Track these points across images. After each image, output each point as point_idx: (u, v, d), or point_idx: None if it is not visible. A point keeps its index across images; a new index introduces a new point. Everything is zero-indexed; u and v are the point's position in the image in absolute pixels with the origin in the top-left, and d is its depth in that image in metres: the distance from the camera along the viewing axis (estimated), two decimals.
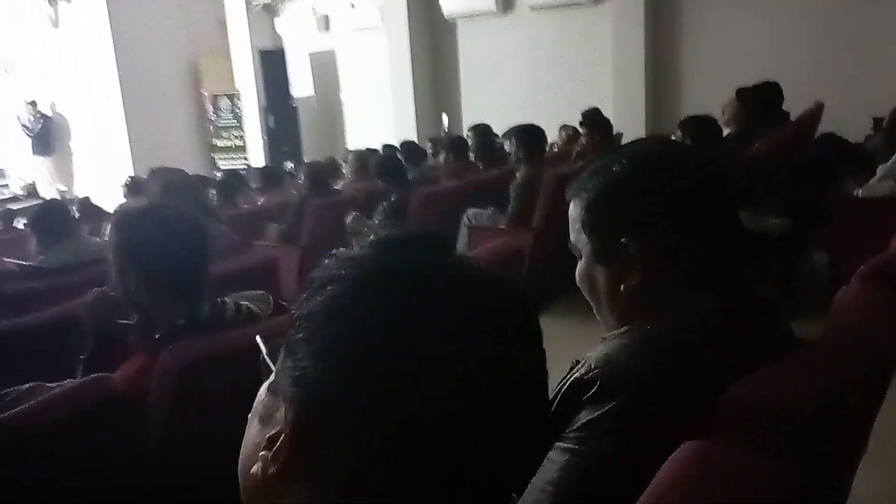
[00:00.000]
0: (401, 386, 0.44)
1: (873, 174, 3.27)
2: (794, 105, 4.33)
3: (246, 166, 8.86)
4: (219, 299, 1.54)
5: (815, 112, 4.74)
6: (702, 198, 0.90)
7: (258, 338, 0.57)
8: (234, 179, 5.53)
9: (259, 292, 1.70)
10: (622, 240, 0.89)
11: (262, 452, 0.48)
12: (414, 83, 8.56)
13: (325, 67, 9.44)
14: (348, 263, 0.50)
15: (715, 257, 0.89)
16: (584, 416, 0.81)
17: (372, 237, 0.52)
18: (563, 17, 7.56)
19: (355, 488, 0.45)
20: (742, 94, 4.13)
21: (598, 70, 7.20)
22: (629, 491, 0.68)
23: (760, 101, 4.18)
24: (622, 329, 0.90)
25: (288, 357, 0.49)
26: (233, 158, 9.65)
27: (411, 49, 8.52)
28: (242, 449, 0.53)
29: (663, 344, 0.83)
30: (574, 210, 0.94)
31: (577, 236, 0.95)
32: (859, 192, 3.20)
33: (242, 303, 1.59)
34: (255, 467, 0.49)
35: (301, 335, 0.48)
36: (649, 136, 1.14)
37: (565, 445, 0.81)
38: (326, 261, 0.51)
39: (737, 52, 6.34)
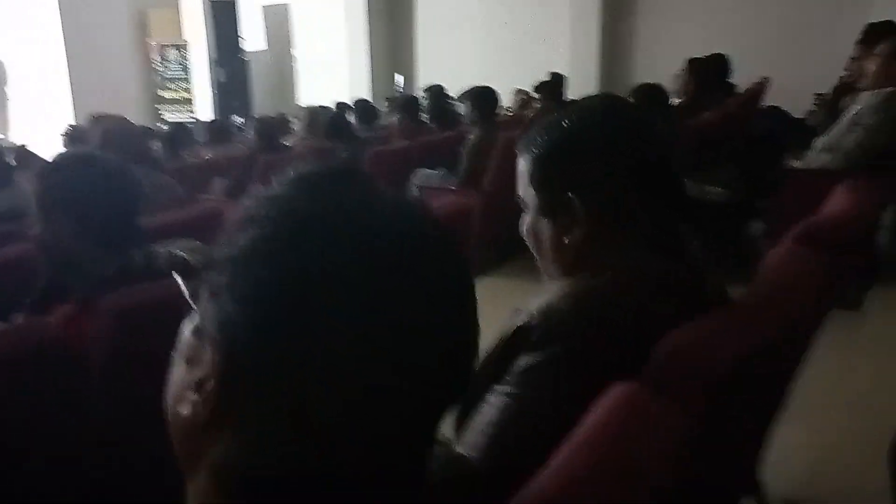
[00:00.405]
0: (325, 333, 0.43)
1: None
2: (741, 79, 4.43)
3: (193, 120, 8.62)
4: (152, 248, 1.50)
5: (761, 87, 4.85)
6: (648, 157, 0.92)
7: (176, 275, 0.55)
8: (180, 132, 5.39)
9: (195, 242, 1.65)
10: (569, 194, 0.91)
11: (194, 397, 0.47)
12: (370, 41, 8.42)
13: (278, 21, 9.20)
14: (268, 203, 0.48)
15: (657, 216, 0.91)
16: (523, 362, 0.83)
17: (291, 173, 0.50)
18: None
19: (281, 438, 0.45)
20: (693, 64, 4.19)
21: (555, 35, 7.20)
22: (563, 435, 0.70)
23: (710, 72, 4.25)
24: (562, 281, 0.92)
25: (211, 300, 0.47)
26: (179, 111, 9.36)
27: (368, 5, 8.36)
28: (169, 389, 0.51)
29: (604, 296, 0.86)
30: (523, 164, 0.96)
31: (524, 190, 0.96)
32: (797, 165, 3.29)
33: (178, 252, 1.55)
34: (185, 410, 0.48)
35: (224, 278, 0.46)
36: (600, 94, 1.15)
37: (505, 389, 0.83)
38: (247, 200, 0.50)
39: (689, 25, 6.41)
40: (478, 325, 0.50)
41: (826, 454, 1.97)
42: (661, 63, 5.59)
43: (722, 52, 4.33)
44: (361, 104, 5.89)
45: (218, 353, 0.46)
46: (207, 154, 5.21)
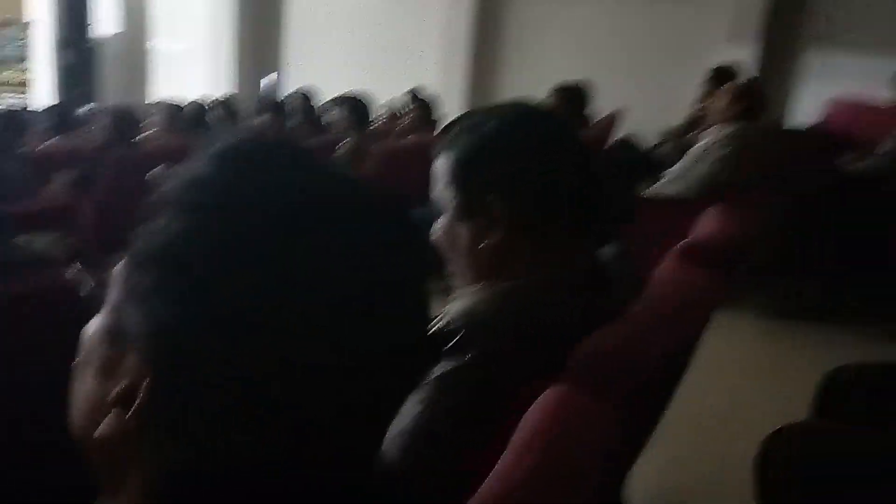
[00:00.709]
0: (276, 323, 0.40)
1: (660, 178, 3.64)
2: (600, 108, 4.71)
3: (30, 106, 7.86)
4: (9, 241, 1.36)
5: (612, 120, 5.18)
6: (566, 164, 0.93)
7: (84, 275, 0.49)
8: (15, 117, 4.89)
9: (53, 235, 1.53)
10: (488, 196, 0.90)
11: (115, 409, 0.42)
12: (239, 37, 8.13)
13: (134, 6, 8.63)
14: (194, 187, 0.43)
15: (571, 222, 0.93)
16: (440, 368, 0.81)
17: (210, 150, 0.45)
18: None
19: (227, 434, 0.41)
20: (560, 91, 4.39)
21: (426, 48, 7.30)
22: (480, 440, 0.69)
23: (574, 100, 4.47)
24: (479, 285, 0.91)
25: (133, 303, 0.42)
26: (15, 94, 8.50)
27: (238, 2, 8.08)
28: (76, 406, 0.47)
29: (524, 298, 0.86)
30: (442, 164, 0.95)
31: (442, 191, 0.95)
32: (649, 193, 3.54)
33: (35, 246, 1.42)
34: (106, 425, 0.43)
35: (150, 277, 0.41)
36: (520, 100, 1.17)
37: (420, 396, 0.81)
38: (165, 185, 0.44)
39: (554, 52, 6.74)
40: (429, 314, 0.48)
41: (682, 470, 2.08)
42: (528, 83, 5.83)
43: (578, 82, 4.57)
44: (222, 103, 5.65)
45: (148, 359, 0.41)
46: (48, 143, 4.77)
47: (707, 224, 1.53)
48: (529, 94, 4.86)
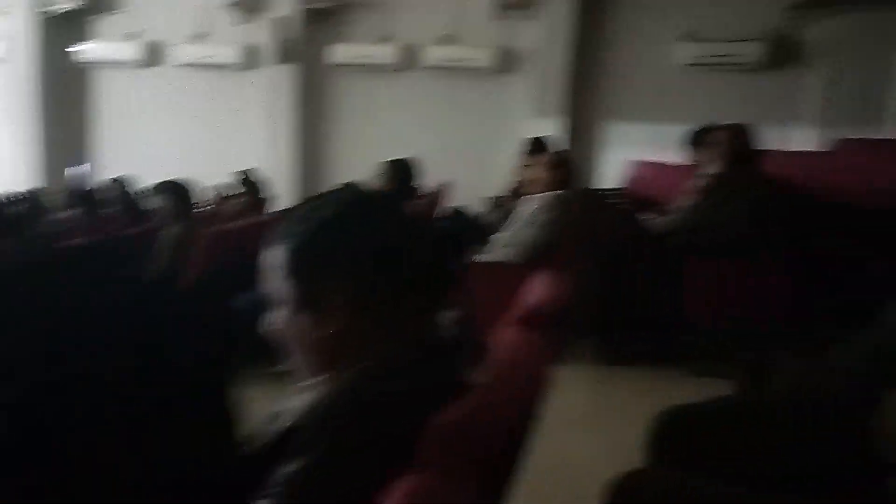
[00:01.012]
0: None
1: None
2: (430, 180, 4.89)
3: None
4: None
5: (440, 191, 5.41)
6: (401, 241, 0.94)
7: None
8: None
9: None
10: (327, 285, 0.89)
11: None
12: (44, 128, 7.59)
13: None
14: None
15: (413, 298, 0.94)
16: (289, 469, 0.78)
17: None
18: (215, 78, 7.45)
19: None
20: (389, 166, 4.51)
21: (251, 133, 7.23)
22: None
23: (402, 174, 4.61)
24: (321, 377, 0.89)
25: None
26: None
27: (40, 92, 7.58)
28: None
29: (367, 386, 0.85)
30: (275, 257, 0.92)
31: (278, 283, 0.92)
32: (480, 258, 3.69)
33: None
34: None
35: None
36: (349, 185, 1.17)
37: (269, 501, 0.77)
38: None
39: (380, 127, 6.95)
40: None
41: None
42: (356, 159, 5.92)
43: (408, 157, 4.74)
44: (30, 196, 5.22)
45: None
46: None
47: (536, 288, 1.62)
48: (358, 170, 4.95)
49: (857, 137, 4.83)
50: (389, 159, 4.56)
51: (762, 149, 3.57)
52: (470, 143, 6.77)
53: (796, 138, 5.82)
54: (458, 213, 5.34)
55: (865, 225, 2.60)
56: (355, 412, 0.82)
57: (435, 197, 5.32)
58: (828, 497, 1.24)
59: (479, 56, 6.75)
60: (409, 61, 7.01)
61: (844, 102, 5.83)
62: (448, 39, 6.84)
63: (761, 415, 1.48)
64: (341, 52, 7.06)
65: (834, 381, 1.34)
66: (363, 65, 7.05)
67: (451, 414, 0.82)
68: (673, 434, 1.57)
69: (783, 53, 6.10)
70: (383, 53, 6.98)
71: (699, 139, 3.96)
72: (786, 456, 1.33)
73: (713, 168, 3.53)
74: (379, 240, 0.92)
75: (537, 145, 4.58)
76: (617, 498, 1.29)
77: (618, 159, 6.17)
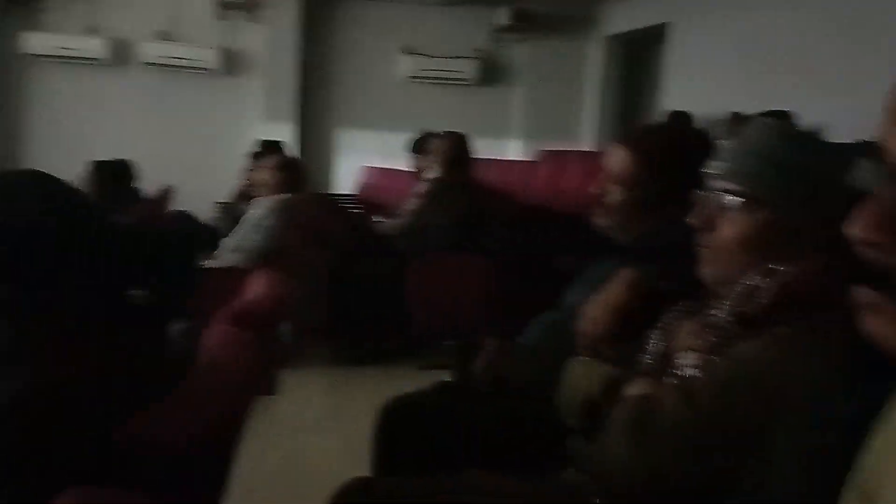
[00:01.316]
0: None
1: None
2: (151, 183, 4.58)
3: None
4: None
5: (165, 194, 5.09)
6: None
7: None
8: None
9: None
10: None
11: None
12: None
13: None
14: None
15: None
16: None
17: None
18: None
19: None
20: (97, 167, 4.15)
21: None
22: None
23: (116, 176, 4.26)
24: None
25: None
26: None
27: None
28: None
29: None
30: None
31: None
32: (210, 264, 3.54)
33: None
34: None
35: None
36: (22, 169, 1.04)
37: None
38: None
39: (91, 130, 6.34)
40: None
41: None
42: (57, 163, 5.29)
43: (124, 159, 4.39)
44: None
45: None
46: None
47: (252, 288, 1.61)
48: (59, 169, 4.48)
49: (555, 149, 5.51)
50: (98, 160, 4.19)
51: (477, 157, 3.91)
52: (196, 146, 6.45)
53: (508, 148, 6.46)
54: (184, 218, 5.05)
55: (555, 226, 2.98)
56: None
57: (158, 201, 4.97)
58: (523, 462, 1.39)
59: (202, 56, 6.46)
60: (121, 57, 6.48)
61: (544, 118, 6.62)
62: (166, 36, 6.45)
63: (467, 394, 1.63)
64: (38, 42, 6.29)
65: (518, 357, 1.52)
66: (66, 57, 6.35)
67: (145, 417, 0.79)
68: (395, 423, 1.65)
69: (493, 72, 6.73)
70: (90, 46, 6.35)
71: (420, 146, 4.22)
72: (491, 429, 1.47)
73: (432, 173, 3.78)
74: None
75: (266, 149, 4.52)
76: None
77: (350, 166, 6.32)
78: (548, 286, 1.76)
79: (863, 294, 0.57)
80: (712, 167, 1.10)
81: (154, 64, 6.44)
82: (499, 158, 5.55)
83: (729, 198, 1.05)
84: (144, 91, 6.53)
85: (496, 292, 2.87)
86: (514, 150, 6.53)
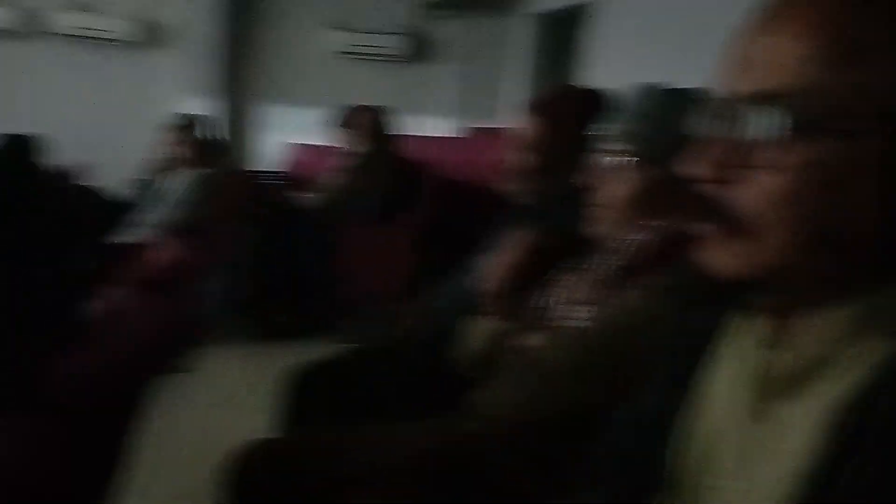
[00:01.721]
0: None
1: None
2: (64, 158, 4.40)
3: None
4: None
5: (78, 171, 4.92)
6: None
7: None
8: None
9: None
10: None
11: None
12: None
13: None
14: None
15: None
16: None
17: None
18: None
19: None
20: (8, 142, 3.96)
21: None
22: None
23: (8, 151, 4.09)
24: None
25: None
26: None
27: None
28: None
29: None
30: None
31: None
32: (122, 239, 3.47)
33: None
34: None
35: None
36: None
37: None
38: None
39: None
40: None
41: None
42: None
43: (24, 134, 4.20)
44: None
45: None
46: None
47: (162, 256, 1.59)
48: None
49: (482, 126, 5.54)
50: (10, 134, 3.99)
51: (404, 133, 3.91)
52: (114, 120, 6.22)
53: (437, 125, 6.47)
54: (98, 194, 4.89)
55: (479, 199, 3.02)
56: None
57: (70, 177, 4.79)
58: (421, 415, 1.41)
59: (120, 27, 6.21)
60: (33, 27, 6.17)
61: (474, 95, 6.65)
62: (81, 6, 6.16)
63: (379, 357, 1.65)
64: None
65: (427, 318, 1.56)
66: None
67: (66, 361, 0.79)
68: (302, 389, 1.66)
69: (421, 48, 6.70)
70: None
71: (345, 121, 4.19)
72: (392, 386, 1.50)
73: (357, 147, 3.77)
74: None
75: (185, 123, 4.40)
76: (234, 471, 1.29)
77: (275, 141, 6.22)
78: (468, 255, 1.79)
79: (701, 229, 0.61)
80: (604, 129, 1.15)
81: (69, 35, 6.16)
82: (427, 135, 5.56)
83: (619, 158, 1.10)
84: (58, 63, 6.24)
85: (419, 262, 2.90)
86: (443, 127, 6.55)
